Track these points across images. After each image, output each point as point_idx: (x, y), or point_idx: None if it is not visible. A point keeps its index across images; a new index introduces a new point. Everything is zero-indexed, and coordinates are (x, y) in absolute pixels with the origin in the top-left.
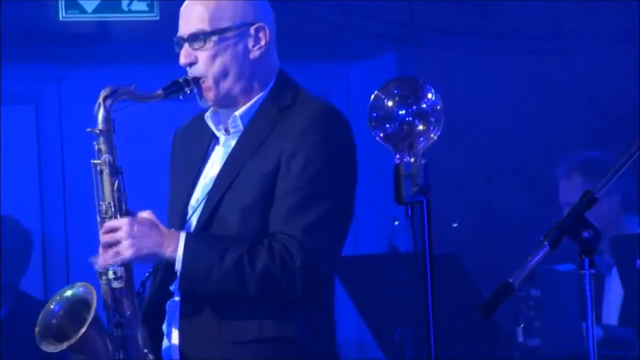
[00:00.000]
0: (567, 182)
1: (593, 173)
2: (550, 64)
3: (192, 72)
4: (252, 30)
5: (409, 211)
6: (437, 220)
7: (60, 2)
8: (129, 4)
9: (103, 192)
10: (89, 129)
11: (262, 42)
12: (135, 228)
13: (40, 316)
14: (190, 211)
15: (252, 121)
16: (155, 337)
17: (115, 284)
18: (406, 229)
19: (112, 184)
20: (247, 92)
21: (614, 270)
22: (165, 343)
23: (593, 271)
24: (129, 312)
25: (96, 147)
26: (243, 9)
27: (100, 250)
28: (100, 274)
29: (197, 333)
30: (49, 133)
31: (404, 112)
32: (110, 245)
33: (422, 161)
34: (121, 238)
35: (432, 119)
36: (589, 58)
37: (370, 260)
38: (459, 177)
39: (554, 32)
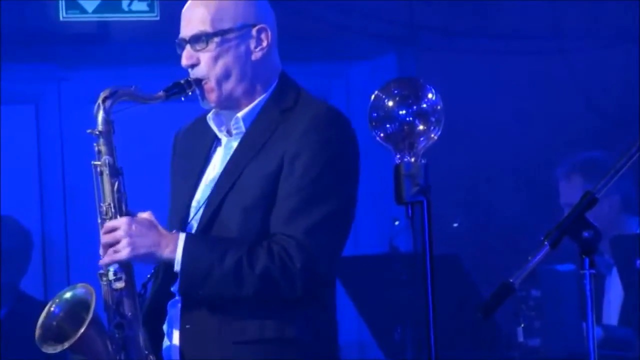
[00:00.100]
0: (567, 182)
1: (593, 173)
2: (550, 64)
3: (194, 73)
4: (254, 31)
5: (410, 211)
6: (438, 220)
7: (60, 2)
8: (129, 4)
9: (103, 194)
10: (88, 130)
11: (264, 44)
12: (134, 227)
13: (41, 318)
14: (191, 212)
15: (254, 123)
16: (156, 337)
17: (116, 285)
18: (406, 229)
19: (112, 185)
20: (250, 94)
21: (614, 271)
22: (165, 343)
23: (593, 271)
24: (130, 313)
25: (96, 149)
26: (245, 11)
27: (101, 250)
28: (101, 275)
29: (197, 333)
30: (48, 133)
31: (404, 112)
32: (110, 245)
33: (423, 161)
34: (119, 237)
35: (433, 119)
36: (589, 58)
37: (371, 261)
38: (459, 177)
39: (554, 32)
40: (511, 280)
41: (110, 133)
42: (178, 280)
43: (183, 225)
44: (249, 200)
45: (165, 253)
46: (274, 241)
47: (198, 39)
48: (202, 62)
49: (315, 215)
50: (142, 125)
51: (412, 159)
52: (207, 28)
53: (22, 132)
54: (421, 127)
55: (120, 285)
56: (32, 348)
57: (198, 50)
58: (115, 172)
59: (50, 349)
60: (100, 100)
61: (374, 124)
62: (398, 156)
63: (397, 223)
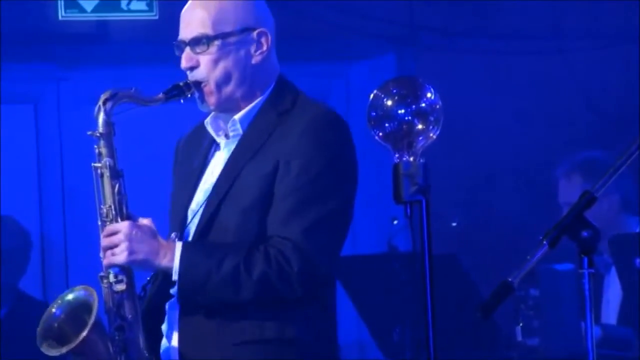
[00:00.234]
0: (567, 181)
1: (593, 173)
2: (550, 64)
3: (193, 76)
4: (254, 35)
5: (408, 210)
6: (437, 219)
7: (59, 1)
8: (128, 4)
9: (104, 196)
10: (89, 132)
11: (264, 47)
12: (134, 232)
13: (42, 320)
14: (190, 215)
15: (252, 125)
16: (154, 337)
17: (117, 288)
18: (405, 228)
19: (113, 187)
20: (248, 97)
21: (613, 270)
22: (164, 344)
23: (592, 271)
24: (130, 316)
25: (96, 151)
26: (245, 14)
27: (101, 253)
28: (102, 277)
29: (196, 334)
30: (47, 133)
31: (403, 111)
32: (110, 248)
33: (421, 160)
34: (119, 241)
35: (431, 118)
36: (589, 58)
37: (369, 260)
38: (458, 177)
39: (554, 32)
40: (510, 280)
41: (111, 135)
42: (176, 286)
43: (182, 228)
44: (247, 201)
45: (164, 262)
46: (271, 244)
47: (198, 42)
48: (201, 65)
49: (311, 216)
50: (141, 127)
51: (411, 158)
52: (207, 31)
53: (21, 131)
54: (420, 127)
55: (121, 287)
56: (32, 348)
57: (198, 53)
58: (116, 174)
59: (52, 351)
60: (101, 102)
61: (372, 123)
62: (397, 155)
63: (395, 222)
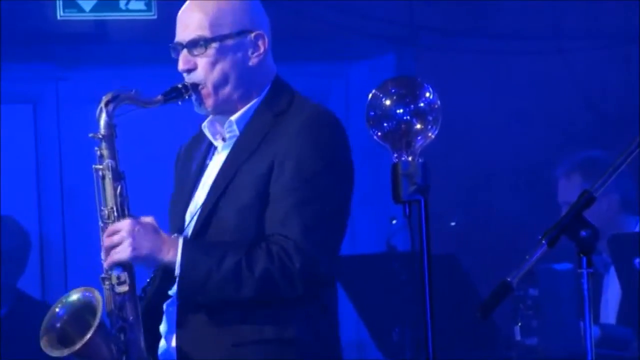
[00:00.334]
0: (567, 181)
1: (593, 173)
2: (550, 64)
3: (191, 78)
4: (251, 37)
5: (407, 210)
6: (436, 219)
7: (58, 1)
8: (127, 3)
9: (105, 197)
10: (91, 134)
11: (261, 50)
12: (137, 228)
13: (45, 320)
14: (189, 216)
15: (248, 126)
16: (153, 338)
17: (119, 289)
18: (404, 228)
19: (115, 189)
20: (245, 99)
21: (612, 270)
22: (162, 344)
23: (591, 270)
24: (131, 317)
25: (98, 153)
26: (242, 16)
27: (103, 254)
28: (104, 278)
29: (195, 335)
30: (46, 133)
31: (401, 110)
32: (113, 247)
33: (420, 160)
34: (122, 238)
35: (430, 118)
36: (589, 59)
37: (368, 260)
38: (458, 177)
39: (553, 33)
40: (509, 280)
41: (112, 137)
42: (176, 285)
43: (181, 229)
44: (244, 200)
45: (167, 257)
46: (272, 242)
47: (196, 44)
48: (199, 67)
49: (310, 214)
50: (142, 129)
51: (410, 158)
52: (205, 33)
53: (20, 131)
54: (418, 126)
55: (123, 289)
56: (32, 348)
57: (195, 55)
58: (117, 176)
59: (53, 352)
60: (102, 104)
61: (371, 122)
62: (395, 155)
63: (394, 222)
